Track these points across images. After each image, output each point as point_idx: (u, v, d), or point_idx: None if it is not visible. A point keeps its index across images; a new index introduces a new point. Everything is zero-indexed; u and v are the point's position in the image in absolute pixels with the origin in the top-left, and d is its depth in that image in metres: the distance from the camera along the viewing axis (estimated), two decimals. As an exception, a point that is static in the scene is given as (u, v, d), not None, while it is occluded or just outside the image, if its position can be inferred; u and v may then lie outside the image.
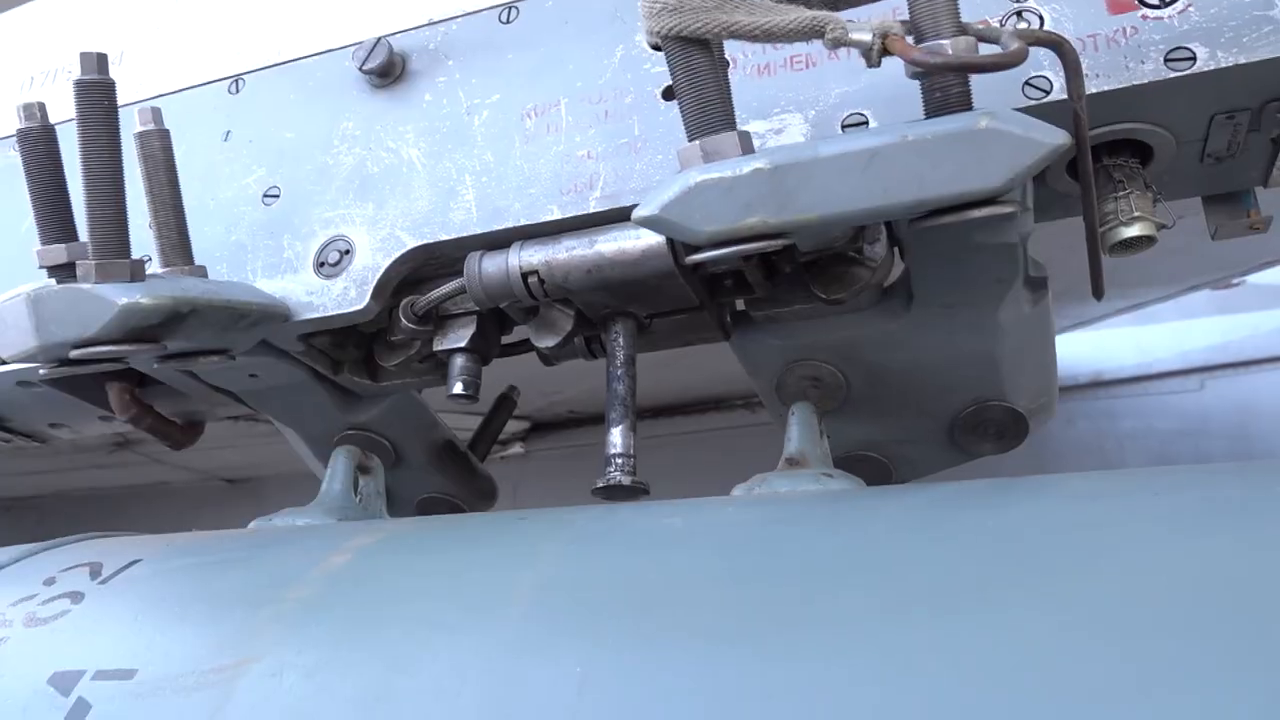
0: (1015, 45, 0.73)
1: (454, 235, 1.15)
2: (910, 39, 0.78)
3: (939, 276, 1.07)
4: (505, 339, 1.26)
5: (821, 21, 0.76)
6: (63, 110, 1.46)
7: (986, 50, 0.78)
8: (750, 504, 0.95)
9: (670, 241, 1.06)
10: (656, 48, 0.89)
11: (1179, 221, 1.11)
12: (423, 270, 1.20)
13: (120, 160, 0.99)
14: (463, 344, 1.18)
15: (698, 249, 0.84)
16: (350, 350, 1.28)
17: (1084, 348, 4.25)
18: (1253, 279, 3.99)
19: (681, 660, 0.70)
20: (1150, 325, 4.19)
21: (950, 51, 0.76)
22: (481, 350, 1.19)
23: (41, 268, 1.05)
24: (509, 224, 1.12)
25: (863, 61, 0.81)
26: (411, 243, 1.16)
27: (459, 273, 1.16)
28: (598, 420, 1.47)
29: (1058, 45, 0.80)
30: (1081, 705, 0.59)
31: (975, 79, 0.87)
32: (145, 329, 0.97)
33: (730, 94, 0.83)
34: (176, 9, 1.44)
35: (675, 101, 1.09)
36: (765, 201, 0.75)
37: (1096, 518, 0.75)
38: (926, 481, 0.95)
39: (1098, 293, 0.98)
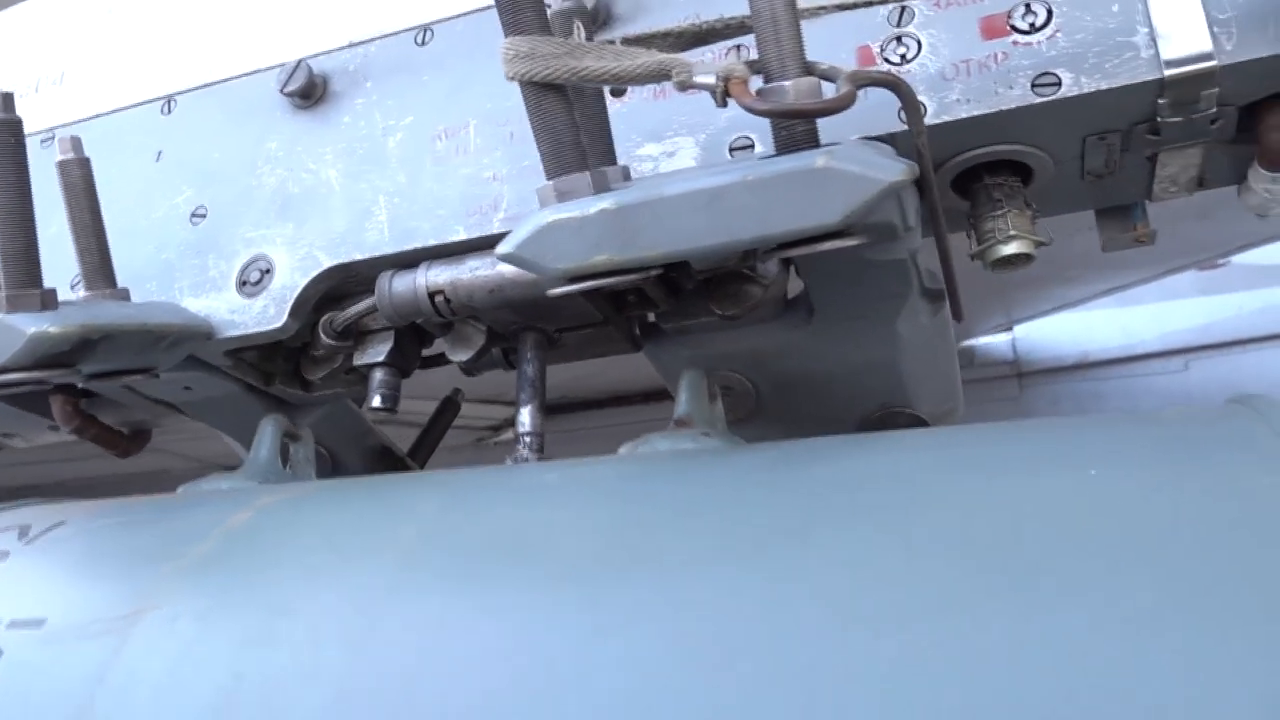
0: (845, 89, 0.76)
1: (368, 255, 1.18)
2: (758, 79, 0.81)
3: (834, 291, 1.10)
4: (426, 351, 1.30)
5: (668, 65, 0.79)
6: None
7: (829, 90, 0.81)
8: (624, 461, 1.01)
9: None
10: None
11: (1159, 206, 1.14)
12: (342, 287, 1.24)
13: (29, 195, 1.03)
14: (381, 358, 1.22)
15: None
16: (279, 363, 1.33)
17: (1069, 330, 4.26)
18: (1237, 259, 3.98)
19: (529, 600, 0.77)
20: (1134, 307, 4.19)
21: (791, 94, 0.79)
22: (400, 364, 1.23)
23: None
24: (418, 244, 1.16)
25: None
26: (328, 262, 1.20)
27: (374, 291, 1.20)
28: (587, 405, 1.52)
29: (894, 86, 0.83)
30: (891, 625, 0.67)
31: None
32: (56, 355, 1.01)
33: (581, 135, 0.87)
34: (115, 29, 1.48)
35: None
36: (611, 239, 0.79)
37: (930, 464, 0.83)
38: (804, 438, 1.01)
39: (957, 315, 1.01)
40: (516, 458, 1.14)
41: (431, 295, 1.14)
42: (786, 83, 0.80)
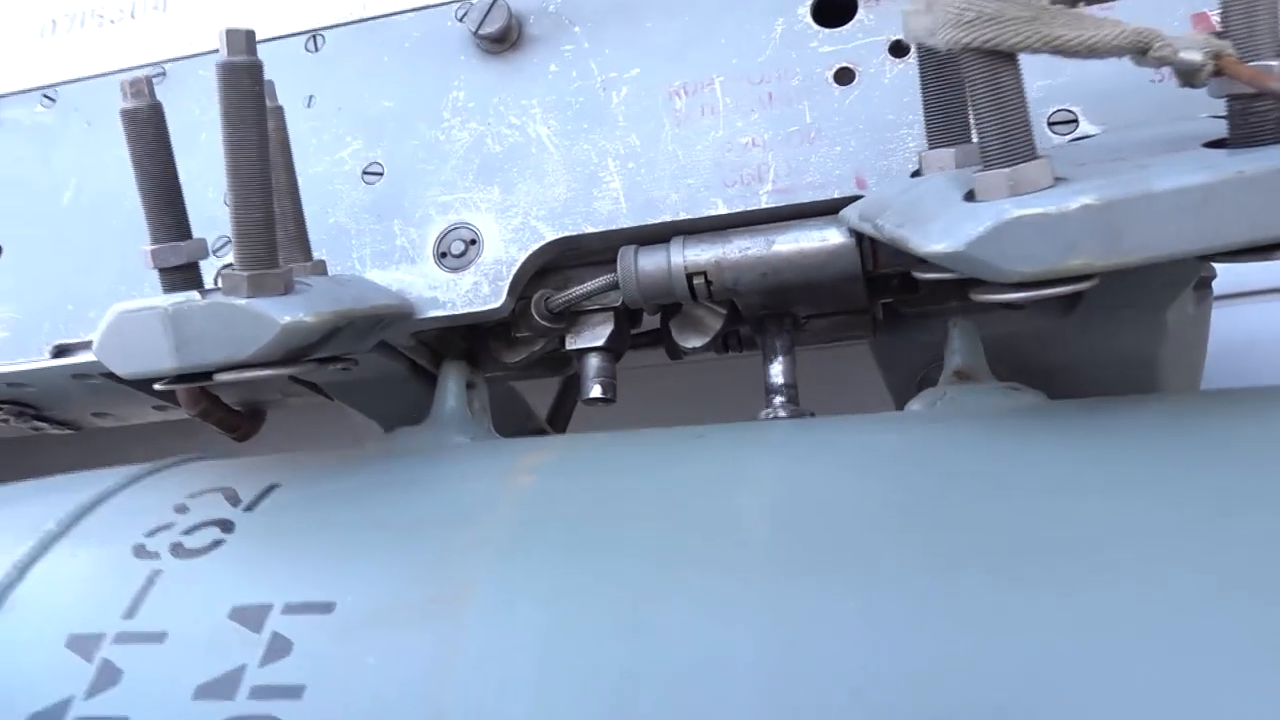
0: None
1: (601, 228, 1.04)
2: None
3: (1111, 279, 1.01)
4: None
5: (1147, 38, 0.68)
6: (88, 61, 1.29)
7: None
8: (952, 419, 0.91)
9: (860, 244, 0.98)
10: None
11: None
12: (552, 261, 1.09)
13: (268, 156, 0.85)
14: (600, 343, 1.09)
15: (981, 286, 0.77)
16: (456, 343, 1.18)
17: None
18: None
19: (961, 583, 0.66)
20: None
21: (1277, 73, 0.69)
22: (616, 348, 1.10)
23: (153, 269, 0.92)
24: (667, 217, 1.03)
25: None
26: (551, 235, 1.05)
27: (595, 264, 1.07)
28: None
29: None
30: None
31: None
32: (303, 347, 0.86)
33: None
34: None
35: (849, 87, 1.01)
36: (1092, 241, 0.68)
37: None
38: (1114, 399, 0.90)
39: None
40: (769, 413, 1.03)
41: (689, 276, 1.01)
42: (1272, 62, 0.70)
